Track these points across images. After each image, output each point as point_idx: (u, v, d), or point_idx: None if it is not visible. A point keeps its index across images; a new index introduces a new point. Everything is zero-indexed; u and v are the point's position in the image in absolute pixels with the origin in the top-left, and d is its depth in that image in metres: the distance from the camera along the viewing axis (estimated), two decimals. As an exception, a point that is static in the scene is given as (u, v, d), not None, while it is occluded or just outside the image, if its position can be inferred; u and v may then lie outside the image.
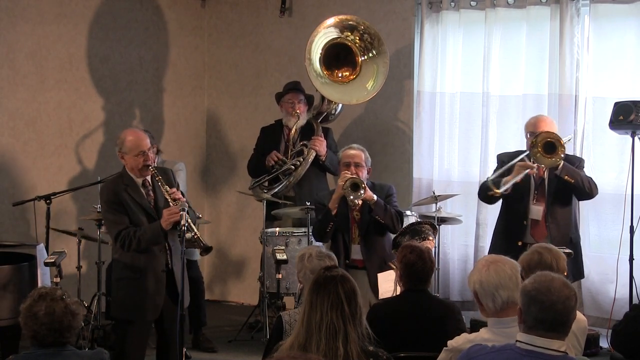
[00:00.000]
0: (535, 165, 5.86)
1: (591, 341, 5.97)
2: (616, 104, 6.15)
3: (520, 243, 5.88)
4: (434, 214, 6.45)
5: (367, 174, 5.83)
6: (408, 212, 6.60)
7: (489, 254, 6.15)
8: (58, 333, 3.36)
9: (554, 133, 5.88)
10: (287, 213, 6.67)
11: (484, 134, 6.96)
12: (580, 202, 6.66)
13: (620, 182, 6.43)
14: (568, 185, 5.91)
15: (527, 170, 5.86)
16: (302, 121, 6.94)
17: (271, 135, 7.09)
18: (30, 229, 6.78)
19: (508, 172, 5.94)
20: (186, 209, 4.76)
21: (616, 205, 6.51)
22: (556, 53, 6.70)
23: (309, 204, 6.45)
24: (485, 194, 5.99)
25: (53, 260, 5.50)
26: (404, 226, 5.72)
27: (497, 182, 5.91)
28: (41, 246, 5.78)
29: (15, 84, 7.00)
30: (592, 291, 6.65)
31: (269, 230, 6.64)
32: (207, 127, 8.55)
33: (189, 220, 4.75)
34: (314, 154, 6.85)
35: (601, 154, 6.68)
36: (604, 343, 6.24)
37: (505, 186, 5.84)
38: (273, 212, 6.70)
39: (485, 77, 6.97)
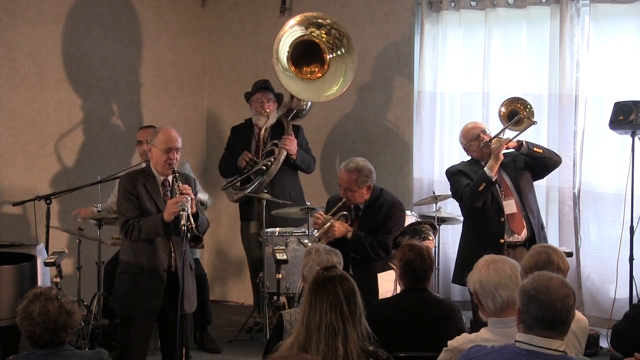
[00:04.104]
0: (504, 138, 5.81)
1: (591, 341, 5.97)
2: (616, 104, 6.15)
3: (502, 241, 5.82)
4: (434, 214, 6.45)
5: (368, 189, 5.64)
6: (408, 212, 6.60)
7: (460, 258, 6.04)
8: (53, 332, 3.36)
9: (522, 102, 5.97)
10: (287, 213, 6.68)
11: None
12: (580, 202, 6.68)
13: (620, 182, 6.43)
14: (537, 158, 5.85)
15: (504, 143, 5.78)
16: (272, 120, 6.95)
17: (242, 135, 7.12)
18: (30, 229, 6.78)
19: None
20: (186, 208, 4.76)
21: (616, 205, 6.51)
22: (556, 53, 6.70)
23: (309, 204, 6.45)
24: (477, 190, 5.75)
25: (53, 260, 5.50)
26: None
27: (483, 176, 5.80)
28: (41, 246, 5.78)
29: (15, 84, 7.01)
30: (592, 291, 6.65)
31: (269, 230, 6.64)
32: (207, 127, 8.55)
33: (189, 211, 4.75)
34: (285, 154, 6.86)
35: (601, 154, 6.68)
36: (604, 343, 6.24)
37: (494, 171, 5.74)
38: (273, 212, 6.71)
39: (485, 77, 6.97)
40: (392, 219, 5.62)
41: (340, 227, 5.59)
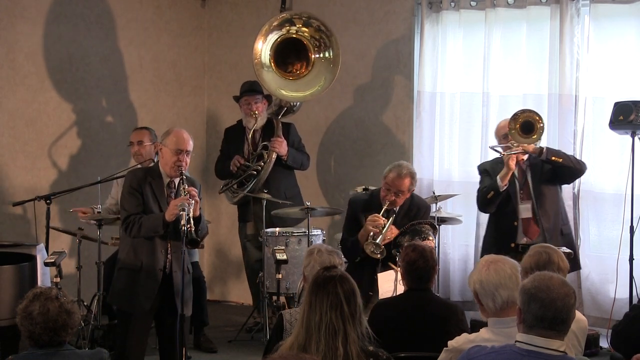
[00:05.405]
0: (517, 146, 5.87)
1: (591, 341, 5.97)
2: (616, 104, 6.15)
3: (513, 245, 5.88)
4: (434, 214, 6.45)
5: (410, 193, 5.72)
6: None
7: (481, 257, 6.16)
8: (53, 332, 3.36)
9: (535, 113, 5.94)
10: (287, 213, 6.68)
11: (484, 134, 6.96)
12: (580, 202, 6.67)
13: (620, 182, 6.43)
14: (558, 167, 5.91)
15: (516, 153, 5.86)
16: (262, 121, 6.96)
17: (234, 137, 7.14)
18: (30, 229, 6.78)
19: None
20: (186, 209, 4.76)
21: (616, 205, 6.51)
22: (556, 53, 6.70)
23: (308, 203, 6.45)
24: (485, 197, 5.99)
25: (53, 260, 5.50)
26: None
27: (493, 184, 5.95)
28: (41, 246, 5.77)
29: (15, 84, 7.01)
30: (592, 291, 6.65)
31: (269, 230, 6.64)
32: (207, 127, 8.55)
33: (190, 215, 4.75)
34: (275, 156, 6.87)
35: (601, 154, 6.68)
36: (604, 343, 6.24)
37: (504, 181, 5.88)
38: (273, 212, 6.71)
39: (485, 77, 6.97)
40: None
41: (394, 230, 5.62)
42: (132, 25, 7.86)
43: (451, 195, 6.84)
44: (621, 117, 6.06)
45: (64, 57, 7.34)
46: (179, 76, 8.31)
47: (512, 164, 5.85)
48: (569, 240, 6.08)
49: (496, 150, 6.11)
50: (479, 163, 6.96)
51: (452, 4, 7.13)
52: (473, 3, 7.08)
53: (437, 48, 7.21)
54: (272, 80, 6.83)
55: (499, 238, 6.01)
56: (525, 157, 5.97)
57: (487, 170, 6.10)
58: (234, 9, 8.39)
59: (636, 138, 6.13)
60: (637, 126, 6.03)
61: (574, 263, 6.11)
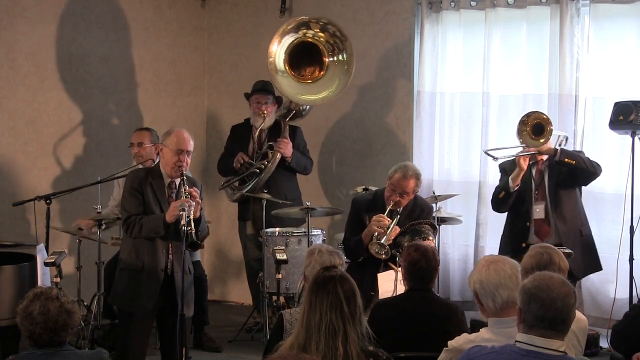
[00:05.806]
0: (531, 148, 5.91)
1: (591, 341, 5.97)
2: (616, 104, 6.16)
3: (524, 245, 5.89)
4: (434, 214, 6.45)
5: (413, 193, 5.73)
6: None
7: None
8: (53, 332, 3.36)
9: (542, 114, 5.97)
10: (287, 213, 6.68)
11: (484, 134, 6.97)
12: (580, 201, 6.68)
13: (620, 182, 6.43)
14: (571, 169, 5.93)
15: (529, 154, 5.91)
16: (269, 121, 6.94)
17: (240, 135, 7.13)
18: (30, 229, 6.78)
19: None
20: (186, 209, 4.76)
21: (616, 205, 6.51)
22: (556, 53, 6.70)
23: (308, 204, 6.45)
24: (497, 197, 6.06)
25: (53, 260, 5.50)
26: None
27: (504, 185, 6.01)
28: (41, 246, 5.77)
29: (15, 84, 7.01)
30: (592, 291, 6.65)
31: (269, 230, 6.64)
32: (207, 127, 8.55)
33: (190, 217, 4.76)
34: (279, 156, 6.86)
35: (601, 154, 6.67)
36: (604, 343, 6.24)
37: (516, 182, 5.93)
38: (273, 212, 6.70)
39: (485, 77, 6.97)
40: None
41: (398, 230, 5.63)
42: (132, 25, 7.86)
43: (451, 195, 6.84)
44: (621, 117, 6.07)
45: (64, 57, 7.34)
46: (179, 76, 8.32)
47: (524, 164, 5.90)
48: (589, 241, 6.11)
49: (489, 155, 6.13)
50: (478, 163, 6.99)
51: (452, 4, 7.13)
52: (473, 3, 7.08)
53: (437, 48, 7.21)
54: (287, 85, 6.81)
55: (513, 238, 6.08)
56: (545, 157, 6.00)
57: (506, 170, 6.13)
58: (234, 9, 8.40)
59: (636, 138, 6.13)
60: (637, 126, 6.03)
61: (596, 264, 6.15)
